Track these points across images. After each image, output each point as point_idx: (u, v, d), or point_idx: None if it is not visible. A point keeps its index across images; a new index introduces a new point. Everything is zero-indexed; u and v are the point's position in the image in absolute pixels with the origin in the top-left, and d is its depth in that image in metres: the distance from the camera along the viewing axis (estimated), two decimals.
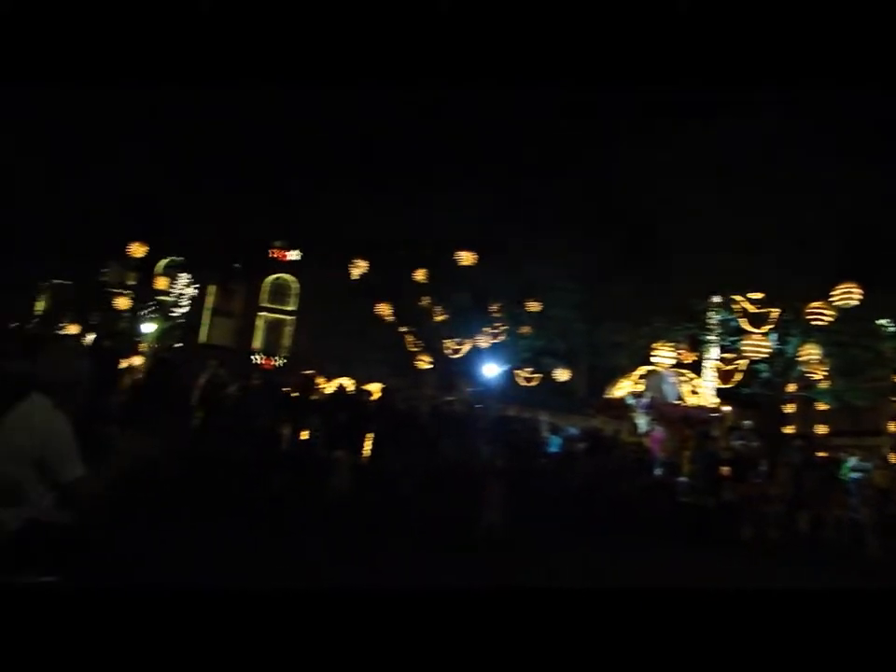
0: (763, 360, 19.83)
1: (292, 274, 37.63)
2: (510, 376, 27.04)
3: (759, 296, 19.18)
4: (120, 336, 21.95)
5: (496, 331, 25.13)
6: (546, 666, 2.62)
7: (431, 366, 26.64)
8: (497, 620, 2.83)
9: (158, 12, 3.41)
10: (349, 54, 3.62)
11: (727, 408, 20.64)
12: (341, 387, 19.89)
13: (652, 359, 20.98)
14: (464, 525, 10.98)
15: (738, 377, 20.22)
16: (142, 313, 27.20)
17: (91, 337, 20.57)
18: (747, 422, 17.28)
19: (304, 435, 14.96)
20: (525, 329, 25.91)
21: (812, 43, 3.61)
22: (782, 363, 20.28)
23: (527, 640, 2.71)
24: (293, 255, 36.50)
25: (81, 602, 2.78)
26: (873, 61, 3.68)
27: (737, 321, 20.44)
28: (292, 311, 38.44)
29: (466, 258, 22.60)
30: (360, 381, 23.21)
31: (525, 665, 2.62)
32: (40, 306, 27.32)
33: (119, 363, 15.70)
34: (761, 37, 3.62)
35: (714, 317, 21.89)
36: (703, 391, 21.00)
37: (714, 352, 22.33)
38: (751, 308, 19.44)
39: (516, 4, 3.57)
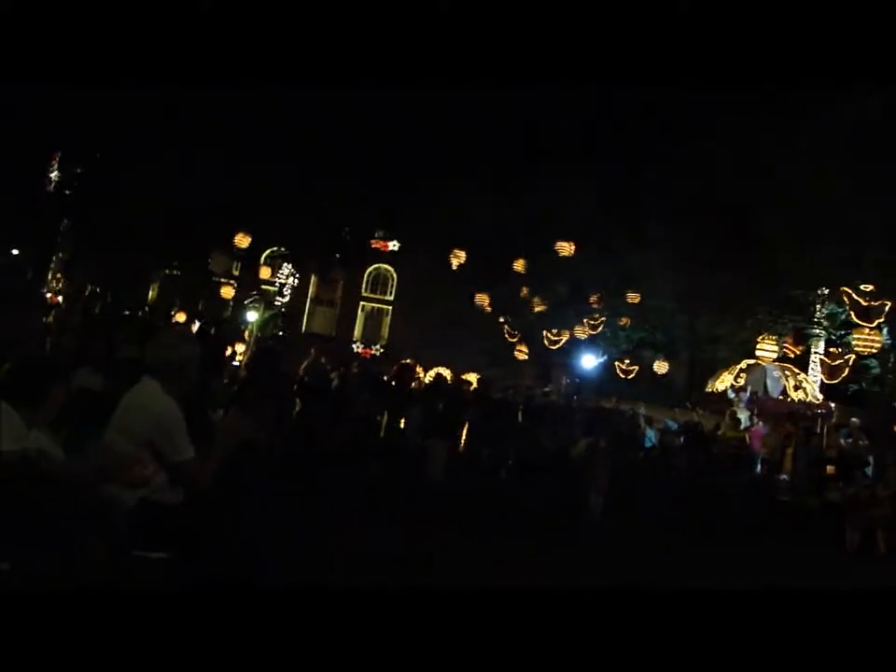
0: (872, 355, 19.10)
1: (391, 265, 38.07)
2: (608, 368, 26.79)
3: (869, 288, 18.38)
4: (225, 324, 22.68)
5: (594, 322, 24.89)
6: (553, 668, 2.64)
7: (529, 356, 26.60)
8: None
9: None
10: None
11: (833, 405, 19.97)
12: (438, 376, 20.13)
13: (756, 353, 20.46)
14: (560, 515, 11.02)
15: (846, 373, 19.51)
16: (246, 302, 28.06)
17: (197, 325, 21.36)
18: (854, 420, 16.66)
19: (401, 423, 15.21)
20: (625, 320, 25.59)
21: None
22: (894, 359, 19.46)
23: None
24: (393, 245, 36.92)
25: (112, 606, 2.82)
26: (876, 58, 3.59)
27: (846, 314, 19.70)
28: (391, 301, 38.92)
29: (565, 248, 22.44)
30: (458, 371, 23.42)
31: (534, 666, 2.65)
32: (152, 296, 28.47)
33: (224, 350, 16.26)
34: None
35: (821, 310, 21.19)
36: (808, 387, 20.37)
37: (821, 346, 21.64)
38: (862, 301, 18.66)
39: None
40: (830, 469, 15.46)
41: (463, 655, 2.65)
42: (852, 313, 18.79)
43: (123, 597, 3.04)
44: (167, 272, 26.17)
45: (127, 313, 16.05)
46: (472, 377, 20.99)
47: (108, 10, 3.46)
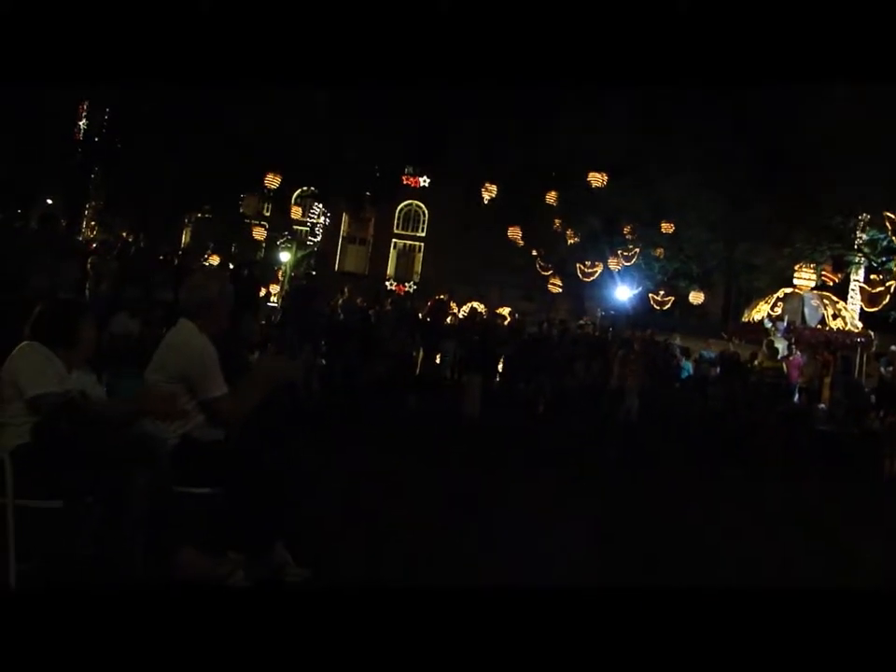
0: None
1: (423, 201, 37.85)
2: (642, 299, 26.58)
3: None
4: (258, 265, 22.77)
5: (628, 254, 24.61)
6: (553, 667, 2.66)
7: (563, 290, 26.45)
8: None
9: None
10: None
11: (873, 333, 19.66)
12: (473, 311, 20.14)
13: (793, 281, 20.17)
14: (593, 448, 11.07)
15: (886, 300, 19.16)
16: (278, 242, 28.09)
17: (231, 266, 21.48)
18: (895, 348, 16.43)
19: (437, 358, 15.32)
20: (659, 251, 25.26)
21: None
22: None
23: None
24: (423, 181, 36.65)
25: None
26: (878, 56, 3.51)
27: (888, 240, 19.26)
28: (423, 237, 38.79)
29: (597, 179, 22.09)
30: (492, 305, 23.41)
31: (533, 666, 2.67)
32: (186, 240, 28.59)
33: (257, 291, 16.35)
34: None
35: (862, 236, 20.74)
36: (847, 315, 20.07)
37: (860, 273, 21.24)
38: None
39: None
40: (869, 397, 15.35)
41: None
42: (894, 238, 18.38)
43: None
44: (199, 215, 26.19)
45: (161, 257, 16.13)
46: (506, 311, 20.98)
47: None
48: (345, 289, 17.72)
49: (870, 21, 3.34)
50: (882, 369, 15.73)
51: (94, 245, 15.68)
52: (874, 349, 18.58)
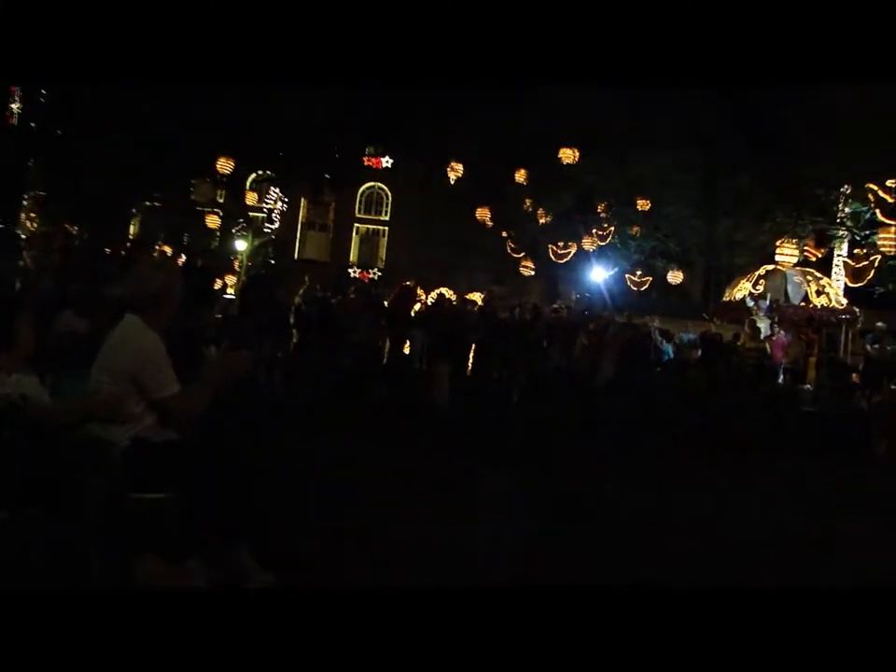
0: None
1: (385, 182, 37.77)
2: (619, 280, 26.74)
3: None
4: (213, 255, 22.63)
5: (603, 233, 24.72)
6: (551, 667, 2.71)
7: (535, 272, 26.55)
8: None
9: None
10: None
11: (858, 309, 19.94)
12: (441, 297, 20.13)
13: (775, 257, 20.38)
14: (573, 436, 11.13)
15: (871, 275, 19.42)
16: (233, 231, 27.88)
17: (184, 257, 21.30)
18: (880, 324, 16.65)
19: (405, 348, 15.31)
20: (635, 229, 25.44)
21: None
22: None
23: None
24: (386, 162, 36.56)
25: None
26: (878, 56, 3.61)
27: (871, 213, 19.48)
28: (387, 221, 38.73)
29: (568, 155, 22.11)
30: (461, 291, 23.42)
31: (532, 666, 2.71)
32: (134, 230, 28.28)
33: (213, 282, 16.24)
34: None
35: (844, 210, 21.00)
36: (831, 291, 20.32)
37: (844, 248, 21.52)
38: (888, 197, 18.41)
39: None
40: (855, 376, 15.57)
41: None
42: (878, 210, 18.57)
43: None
44: (148, 204, 25.92)
45: (108, 250, 15.96)
46: (477, 297, 20.99)
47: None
48: (306, 278, 17.64)
49: (875, 19, 3.40)
50: (868, 346, 15.96)
51: (34, 239, 15.48)
52: (859, 326, 18.84)
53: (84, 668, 2.52)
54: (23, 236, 16.81)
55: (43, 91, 19.40)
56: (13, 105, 19.82)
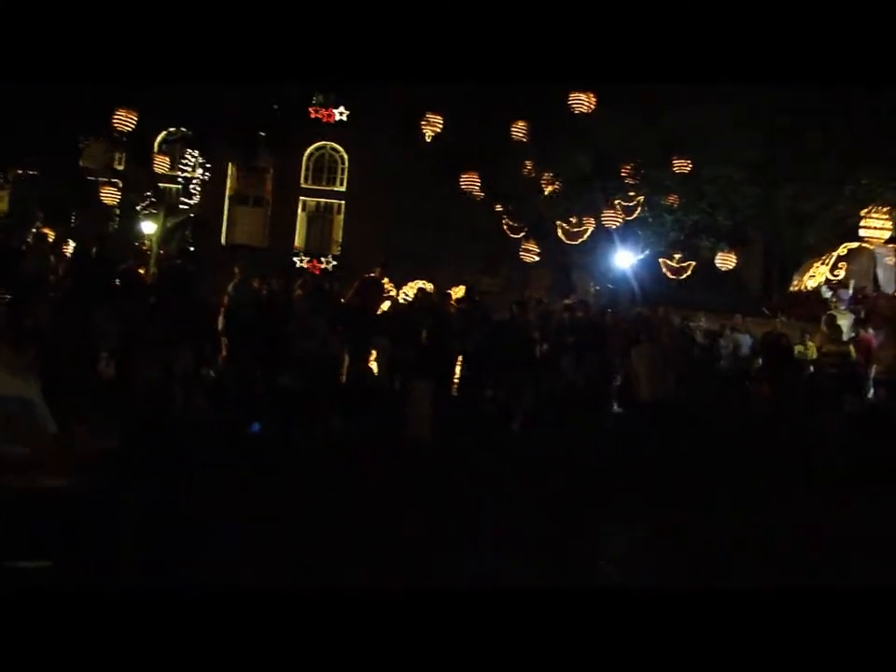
0: None
1: (341, 142, 37.73)
2: (651, 267, 26.77)
3: None
4: (112, 240, 22.46)
5: (629, 204, 24.69)
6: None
7: (540, 258, 26.50)
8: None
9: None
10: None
11: None
12: (419, 293, 20.09)
13: (859, 233, 20.45)
14: (592, 474, 11.08)
15: None
16: (138, 207, 27.68)
17: (72, 244, 21.14)
18: None
19: (370, 360, 15.24)
20: (672, 199, 25.41)
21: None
22: None
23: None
24: (340, 114, 36.48)
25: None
26: (874, 57, 3.98)
27: None
28: (343, 192, 38.69)
29: (583, 101, 21.97)
30: (443, 284, 23.37)
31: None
32: (3, 206, 28.09)
33: (112, 276, 16.11)
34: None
35: None
36: None
37: None
38: None
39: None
40: None
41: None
42: None
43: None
44: (20, 172, 25.75)
45: None
46: (464, 292, 20.96)
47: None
48: (236, 269, 17.56)
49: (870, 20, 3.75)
50: None
51: None
52: None
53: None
54: None
55: None
56: None
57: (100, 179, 24.11)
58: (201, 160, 28.77)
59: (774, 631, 3.28)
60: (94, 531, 3.73)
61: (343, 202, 38.68)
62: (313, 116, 34.80)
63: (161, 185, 28.17)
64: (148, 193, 27.88)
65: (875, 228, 20.11)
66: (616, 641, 3.20)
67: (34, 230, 21.46)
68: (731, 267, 25.24)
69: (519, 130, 22.89)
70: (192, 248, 25.70)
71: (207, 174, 30.16)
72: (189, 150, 27.97)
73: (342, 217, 38.74)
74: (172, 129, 26.44)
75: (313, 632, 3.21)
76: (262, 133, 25.33)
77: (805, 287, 20.63)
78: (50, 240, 20.58)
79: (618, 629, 3.28)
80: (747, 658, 3.18)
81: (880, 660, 3.18)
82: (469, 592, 4.10)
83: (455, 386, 15.51)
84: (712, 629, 3.31)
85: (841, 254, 20.31)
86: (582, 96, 21.90)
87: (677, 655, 3.16)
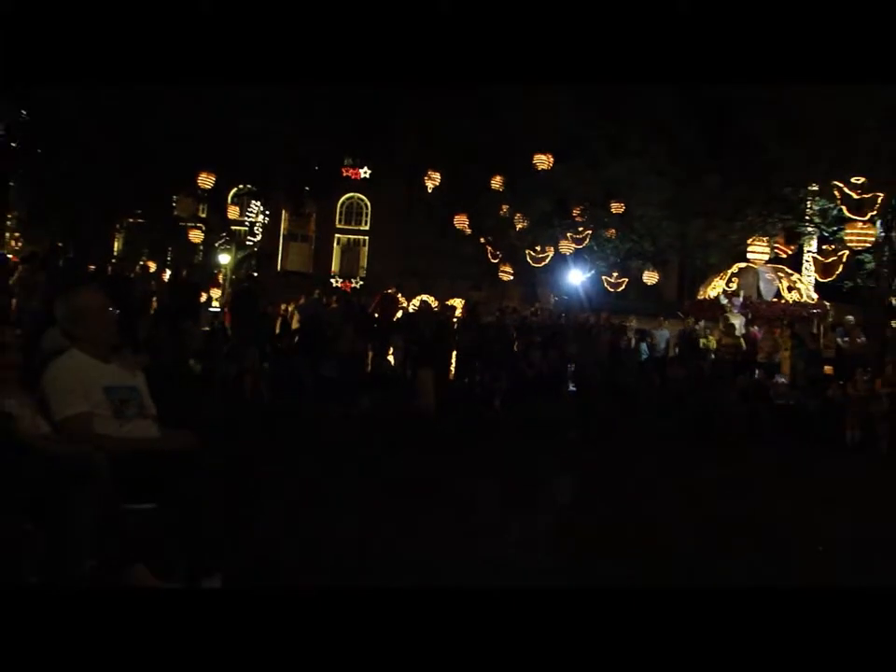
0: (866, 250, 19.09)
1: (365, 193, 37.70)
2: (596, 282, 26.80)
3: (861, 180, 18.22)
4: (197, 269, 22.50)
5: (579, 236, 24.74)
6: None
7: (514, 277, 26.56)
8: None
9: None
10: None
11: (828, 304, 20.10)
12: (423, 304, 20.12)
13: (747, 255, 20.51)
14: (554, 436, 11.15)
15: (840, 270, 19.54)
16: (216, 244, 27.76)
17: (168, 273, 21.22)
18: (849, 318, 16.79)
19: (389, 354, 15.30)
20: (610, 232, 25.45)
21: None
22: (888, 252, 19.42)
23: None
24: (364, 172, 36.48)
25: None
26: (875, 56, 3.67)
27: (838, 209, 19.57)
28: (367, 231, 38.67)
29: (543, 161, 22.13)
30: (442, 297, 23.41)
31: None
32: (119, 247, 28.10)
33: (198, 295, 16.19)
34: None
35: (812, 207, 21.12)
36: (802, 287, 20.49)
37: (813, 244, 21.66)
38: (853, 194, 18.48)
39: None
40: (828, 368, 15.69)
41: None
42: (844, 207, 18.65)
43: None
44: (131, 220, 25.79)
45: (93, 267, 15.87)
46: (457, 302, 21.02)
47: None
48: (316, 292, 17.87)
49: (872, 20, 3.44)
50: (839, 339, 16.07)
51: (20, 258, 15.37)
52: (829, 320, 19.00)
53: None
54: (8, 255, 16.68)
55: (23, 112, 19.25)
56: None
57: (188, 224, 24.11)
58: (262, 208, 28.81)
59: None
60: (191, 487, 3.69)
61: (367, 237, 38.66)
62: (344, 174, 34.78)
63: (233, 227, 28.22)
64: (224, 234, 27.95)
65: (758, 252, 20.19)
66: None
67: (140, 262, 21.54)
68: (654, 282, 25.38)
69: (496, 182, 23.11)
70: (256, 274, 25.70)
71: (267, 218, 30.21)
72: (254, 201, 28.01)
73: (366, 248, 38.72)
74: (241, 185, 26.44)
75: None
76: (307, 188, 25.35)
77: (708, 296, 20.65)
78: (152, 270, 20.66)
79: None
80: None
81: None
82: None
83: (452, 373, 15.56)
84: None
85: (734, 271, 20.35)
86: (543, 157, 22.04)
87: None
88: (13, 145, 19.88)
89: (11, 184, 20.71)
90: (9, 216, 21.49)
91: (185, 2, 3.50)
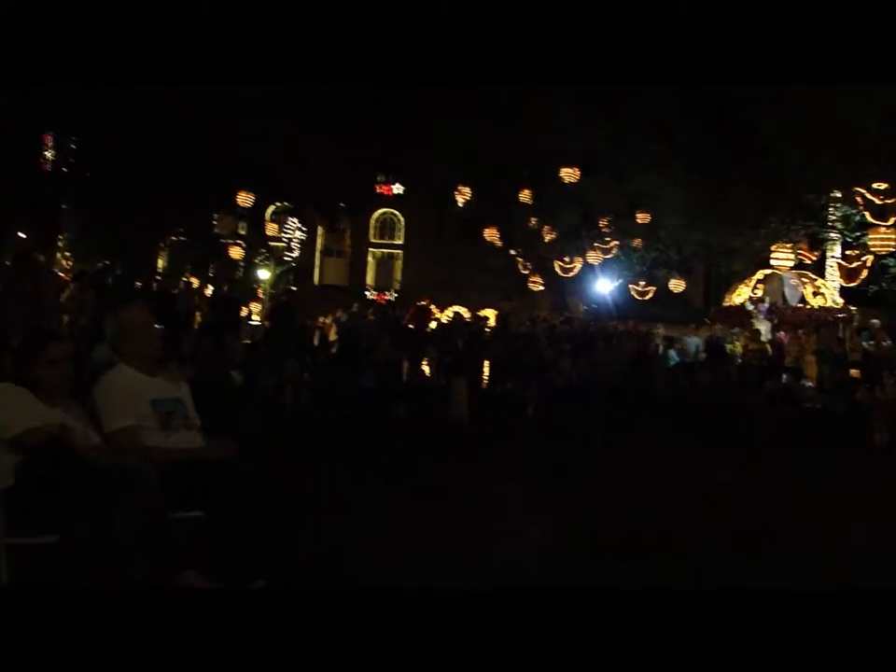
0: (890, 254, 18.85)
1: (398, 208, 37.86)
2: (623, 291, 26.70)
3: (883, 186, 18.00)
4: (238, 284, 22.70)
5: (606, 246, 24.69)
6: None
7: (544, 287, 26.52)
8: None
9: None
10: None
11: (854, 308, 19.84)
12: (456, 315, 20.13)
13: (771, 262, 20.32)
14: (586, 441, 11.09)
15: (864, 274, 19.31)
16: (256, 260, 28.02)
17: (210, 288, 21.42)
18: (874, 321, 16.54)
19: (423, 364, 15.31)
20: (637, 242, 25.36)
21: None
22: None
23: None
24: (397, 188, 36.62)
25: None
26: (876, 56, 3.60)
27: (861, 215, 19.36)
28: (401, 245, 38.80)
29: (570, 174, 22.11)
30: (474, 308, 23.43)
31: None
32: (163, 264, 28.45)
33: (238, 309, 16.32)
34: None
35: (835, 213, 20.90)
36: (826, 292, 20.25)
37: (837, 250, 21.42)
38: (876, 199, 18.27)
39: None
40: (854, 372, 15.46)
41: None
42: (866, 213, 18.47)
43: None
44: (174, 238, 26.11)
45: (139, 284, 16.08)
46: (489, 313, 21.00)
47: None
48: (355, 306, 17.95)
49: (872, 20, 3.38)
50: (864, 343, 15.85)
51: (71, 276, 15.61)
52: (855, 324, 18.74)
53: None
54: (60, 273, 16.95)
55: (73, 138, 19.60)
56: (46, 153, 20.06)
57: (229, 241, 24.38)
58: (299, 225, 29.01)
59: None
60: (236, 496, 3.72)
61: (400, 251, 38.80)
62: (378, 191, 34.96)
63: (271, 244, 28.47)
64: (263, 250, 28.21)
65: (782, 259, 19.97)
66: (634, 643, 2.67)
67: (183, 278, 21.77)
68: (681, 290, 25.23)
69: (525, 196, 23.09)
70: (294, 288, 25.89)
71: (304, 234, 30.41)
72: (291, 218, 28.21)
73: (400, 262, 38.85)
74: (278, 203, 26.66)
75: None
76: (342, 204, 25.52)
77: (734, 303, 20.47)
78: (195, 286, 20.87)
79: (636, 631, 2.72)
80: (764, 660, 2.61)
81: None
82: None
83: (484, 382, 15.53)
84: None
85: (759, 278, 20.17)
86: (570, 170, 22.02)
87: (695, 657, 2.63)
88: (64, 170, 20.23)
89: (63, 206, 21.05)
90: (61, 237, 21.81)
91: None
